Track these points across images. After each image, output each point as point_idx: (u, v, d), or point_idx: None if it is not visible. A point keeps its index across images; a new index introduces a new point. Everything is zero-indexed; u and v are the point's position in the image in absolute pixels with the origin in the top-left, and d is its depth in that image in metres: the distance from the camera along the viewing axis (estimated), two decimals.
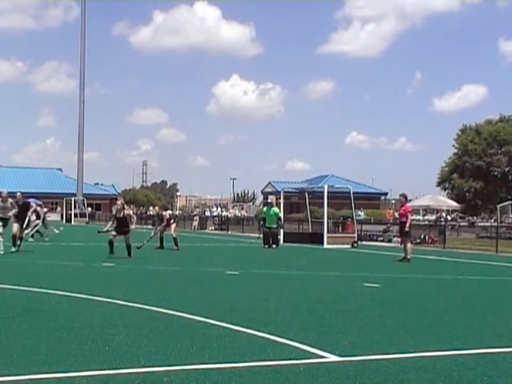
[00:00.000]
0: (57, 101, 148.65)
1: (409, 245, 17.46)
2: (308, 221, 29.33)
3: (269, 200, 24.15)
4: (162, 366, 5.10)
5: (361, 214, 44.60)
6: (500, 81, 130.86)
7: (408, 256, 17.04)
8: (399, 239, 17.75)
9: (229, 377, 4.83)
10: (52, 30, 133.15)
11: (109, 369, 4.94)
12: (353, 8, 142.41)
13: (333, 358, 5.54)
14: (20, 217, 17.61)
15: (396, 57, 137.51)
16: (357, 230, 27.25)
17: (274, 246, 22.82)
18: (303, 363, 5.31)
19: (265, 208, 24.08)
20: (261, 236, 24.00)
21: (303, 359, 5.44)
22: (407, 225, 17.41)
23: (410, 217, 17.99)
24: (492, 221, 46.30)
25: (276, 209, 23.96)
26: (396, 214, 19.00)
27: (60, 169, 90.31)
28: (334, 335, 6.54)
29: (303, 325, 7.15)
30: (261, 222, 25.63)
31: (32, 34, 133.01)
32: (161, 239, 20.70)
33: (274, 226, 23.29)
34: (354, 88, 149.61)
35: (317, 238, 25.21)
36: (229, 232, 38.70)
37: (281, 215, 24.75)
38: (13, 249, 16.84)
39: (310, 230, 28.38)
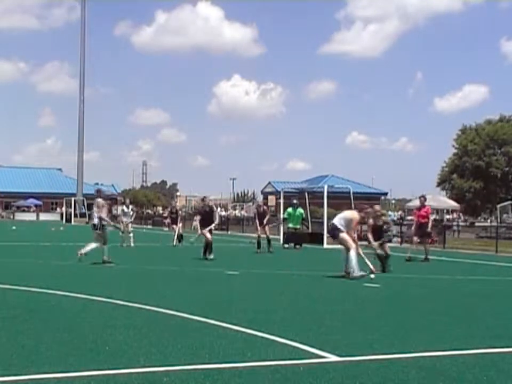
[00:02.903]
0: (58, 101, 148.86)
1: (427, 246, 18.00)
2: (308, 221, 29.32)
3: (295, 201, 23.95)
4: (162, 366, 5.09)
5: (392, 214, 44.47)
6: (501, 81, 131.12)
7: (429, 256, 17.59)
8: (416, 239, 18.19)
9: (229, 377, 4.83)
10: (55, 30, 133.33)
11: (109, 369, 4.94)
12: (355, 8, 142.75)
13: (333, 358, 5.54)
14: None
15: (397, 58, 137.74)
16: (357, 230, 27.22)
17: (298, 246, 22.97)
18: (303, 363, 5.31)
19: (290, 209, 23.89)
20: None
21: (303, 359, 5.43)
22: (430, 225, 18.13)
23: (431, 218, 18.75)
24: (489, 221, 46.31)
25: (301, 210, 23.95)
26: (412, 216, 19.55)
27: (60, 169, 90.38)
28: (334, 335, 6.54)
29: (303, 325, 7.15)
30: (283, 223, 25.51)
31: (34, 34, 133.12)
32: (259, 241, 20.25)
33: (298, 227, 23.44)
34: (355, 88, 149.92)
35: (317, 238, 25.20)
36: (229, 232, 38.69)
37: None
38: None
39: (310, 230, 28.37)
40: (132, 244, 21.35)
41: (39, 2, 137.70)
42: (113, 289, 9.70)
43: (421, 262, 17.11)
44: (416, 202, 50.73)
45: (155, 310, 7.84)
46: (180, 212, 25.50)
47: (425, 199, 19.11)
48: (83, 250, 14.66)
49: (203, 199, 17.42)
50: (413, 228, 18.82)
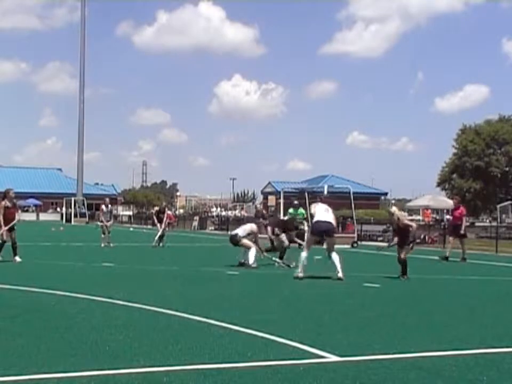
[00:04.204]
0: (59, 101, 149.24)
1: (458, 244, 18.57)
2: (309, 221, 29.30)
3: (296, 202, 23.96)
4: (162, 366, 5.09)
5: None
6: (502, 81, 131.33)
7: (465, 256, 18.11)
8: (452, 239, 18.80)
9: (229, 377, 4.83)
10: (56, 30, 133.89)
11: (109, 369, 4.94)
12: (357, 9, 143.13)
13: (333, 358, 5.53)
14: None
15: (398, 58, 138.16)
16: (357, 230, 27.25)
17: (301, 247, 22.98)
18: (303, 363, 5.31)
19: (291, 210, 23.87)
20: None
21: (303, 359, 5.43)
22: (463, 227, 18.71)
23: (464, 219, 19.23)
24: (488, 221, 46.28)
25: (302, 210, 23.97)
26: (442, 215, 20.20)
27: (60, 169, 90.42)
28: (334, 335, 6.54)
29: (303, 324, 7.15)
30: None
31: (36, 34, 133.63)
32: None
33: (301, 227, 23.44)
34: (356, 88, 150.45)
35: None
36: (229, 232, 38.68)
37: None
38: None
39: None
40: (111, 244, 21.07)
41: (41, 2, 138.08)
42: (113, 289, 9.69)
43: (459, 262, 17.68)
44: (417, 202, 51.03)
45: (155, 310, 7.84)
46: (167, 212, 25.19)
47: (458, 201, 19.95)
48: (251, 262, 14.25)
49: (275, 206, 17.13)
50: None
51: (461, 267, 16.49)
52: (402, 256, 12.35)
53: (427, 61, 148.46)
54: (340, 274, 11.95)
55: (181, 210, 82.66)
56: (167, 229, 22.82)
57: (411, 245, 12.64)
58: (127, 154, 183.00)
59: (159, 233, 22.09)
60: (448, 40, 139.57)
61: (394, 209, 13.35)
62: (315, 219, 12.55)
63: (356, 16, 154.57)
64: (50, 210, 74.56)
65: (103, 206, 22.61)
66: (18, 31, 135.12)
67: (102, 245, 21.02)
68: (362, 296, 9.91)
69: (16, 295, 9.15)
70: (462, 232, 18.63)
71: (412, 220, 13.21)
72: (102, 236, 21.51)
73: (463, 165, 59.20)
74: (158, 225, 22.68)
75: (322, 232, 12.60)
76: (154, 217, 24.79)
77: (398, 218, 12.62)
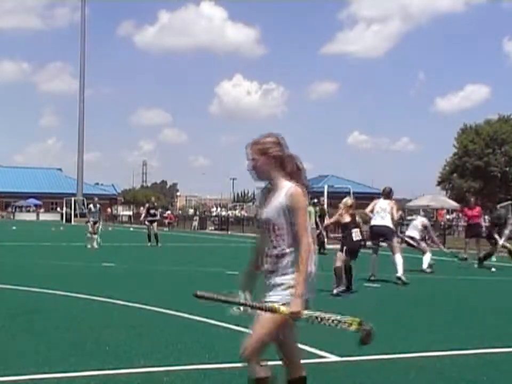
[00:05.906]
0: (60, 101, 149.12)
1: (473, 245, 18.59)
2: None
3: (316, 200, 23.80)
4: (162, 366, 5.09)
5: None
6: (503, 81, 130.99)
7: (466, 256, 18.07)
8: (467, 240, 18.78)
9: (229, 377, 4.83)
10: (58, 30, 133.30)
11: (109, 369, 4.94)
12: (358, 9, 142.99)
13: (333, 358, 5.53)
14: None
15: (399, 58, 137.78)
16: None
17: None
18: (303, 363, 5.30)
19: (311, 208, 23.80)
20: None
21: (303, 359, 5.42)
22: (484, 227, 18.83)
23: (482, 219, 19.31)
24: (487, 221, 46.32)
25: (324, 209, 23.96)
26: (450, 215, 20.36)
27: (60, 169, 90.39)
28: (334, 335, 6.52)
29: (303, 325, 7.14)
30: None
31: (37, 34, 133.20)
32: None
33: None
34: (357, 88, 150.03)
35: (316, 238, 25.17)
36: (229, 232, 38.67)
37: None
38: None
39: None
40: (96, 246, 20.45)
41: (42, 2, 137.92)
42: (113, 289, 9.70)
43: (473, 264, 17.40)
44: (417, 202, 51.07)
45: (155, 310, 7.84)
46: (159, 210, 24.95)
47: (476, 199, 19.89)
48: (424, 266, 14.07)
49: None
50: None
51: (460, 267, 16.47)
52: (336, 263, 9.96)
53: (428, 61, 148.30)
54: (399, 274, 11.48)
55: (191, 210, 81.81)
56: (167, 228, 22.71)
57: (347, 251, 10.03)
58: (127, 154, 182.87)
59: (154, 232, 21.81)
60: (449, 40, 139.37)
61: (346, 199, 10.69)
62: (371, 223, 12.10)
63: (357, 16, 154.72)
64: (42, 210, 74.50)
65: (91, 205, 22.13)
66: (19, 31, 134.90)
67: (88, 245, 20.43)
68: (362, 296, 9.89)
69: (16, 295, 9.15)
70: (483, 234, 18.62)
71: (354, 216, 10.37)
72: (88, 235, 20.92)
73: (463, 165, 59.26)
74: (147, 223, 22.20)
75: (378, 237, 12.15)
76: (143, 214, 23.89)
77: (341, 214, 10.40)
